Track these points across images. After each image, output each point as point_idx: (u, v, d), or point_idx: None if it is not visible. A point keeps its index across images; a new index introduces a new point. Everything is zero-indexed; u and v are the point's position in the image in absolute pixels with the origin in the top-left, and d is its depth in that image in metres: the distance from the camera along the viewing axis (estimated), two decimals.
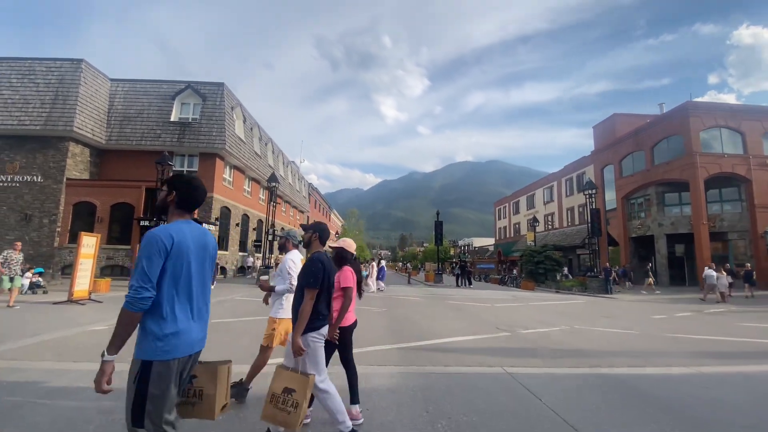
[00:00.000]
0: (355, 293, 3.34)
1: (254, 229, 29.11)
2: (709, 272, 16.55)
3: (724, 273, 16.20)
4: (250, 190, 28.35)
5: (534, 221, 33.06)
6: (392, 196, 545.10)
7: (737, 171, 22.78)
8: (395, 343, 6.32)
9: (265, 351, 3.67)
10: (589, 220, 22.58)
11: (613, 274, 22.23)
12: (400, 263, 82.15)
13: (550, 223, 41.55)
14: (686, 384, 4.35)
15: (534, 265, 28.83)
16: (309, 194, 47.67)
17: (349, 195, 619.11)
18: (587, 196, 23.13)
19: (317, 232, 3.04)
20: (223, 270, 23.74)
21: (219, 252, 20.84)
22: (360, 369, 3.47)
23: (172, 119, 22.50)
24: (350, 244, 3.46)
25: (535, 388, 4.10)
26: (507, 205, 55.35)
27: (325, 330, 2.84)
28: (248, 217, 28.04)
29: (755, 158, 22.80)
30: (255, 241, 28.86)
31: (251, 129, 27.57)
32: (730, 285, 16.53)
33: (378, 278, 19.90)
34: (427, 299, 15.21)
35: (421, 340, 6.69)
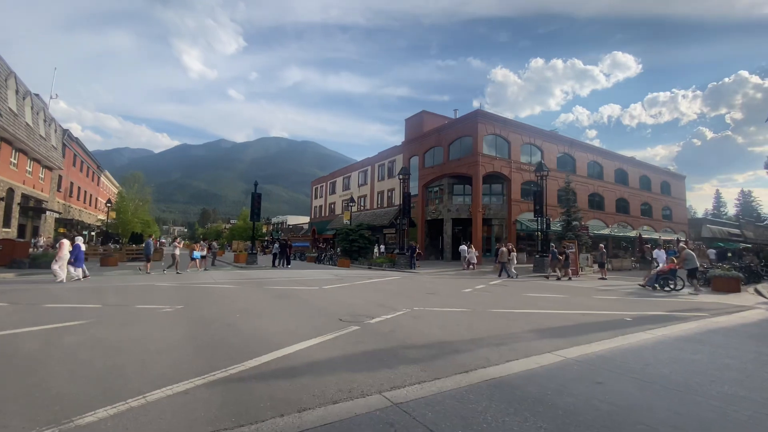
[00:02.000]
0: None
1: None
2: (463, 247, 23.09)
3: (507, 249, 20.24)
4: None
5: (351, 201, 33.91)
6: (194, 164, 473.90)
7: (503, 171, 29.30)
8: (205, 374, 3.85)
9: None
10: (402, 202, 24.40)
11: (417, 250, 24.87)
12: (201, 241, 71.53)
13: (362, 204, 43.97)
14: (577, 382, 3.90)
15: (349, 243, 29.48)
16: (65, 145, 34.14)
17: (133, 156, 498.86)
18: (401, 180, 24.90)
19: None
20: None
21: None
22: None
23: None
24: None
25: (443, 425, 2.72)
26: (324, 184, 55.69)
27: None
28: None
29: (515, 163, 29.89)
30: None
31: None
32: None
33: (73, 262, 12.91)
34: (241, 286, 12.42)
35: (247, 358, 4.42)
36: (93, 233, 46.88)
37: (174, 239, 20.97)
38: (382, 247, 28.51)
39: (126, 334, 5.47)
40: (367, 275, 17.79)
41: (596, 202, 36.79)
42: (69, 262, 12.74)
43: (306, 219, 72.43)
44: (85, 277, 13.25)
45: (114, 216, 43.16)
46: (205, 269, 18.64)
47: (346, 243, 29.58)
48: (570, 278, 18.29)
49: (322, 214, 55.07)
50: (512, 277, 17.93)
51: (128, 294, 9.95)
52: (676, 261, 13.42)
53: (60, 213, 33.62)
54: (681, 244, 18.81)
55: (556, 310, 8.57)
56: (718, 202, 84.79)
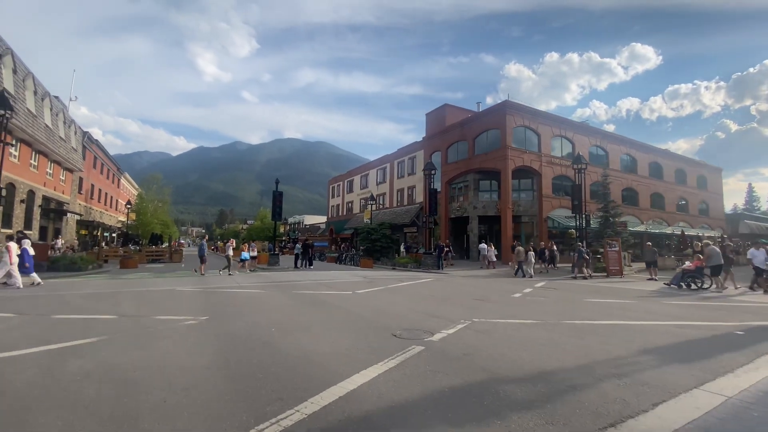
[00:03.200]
0: None
1: None
2: (482, 245, 23.06)
3: (531, 250, 18.94)
4: None
5: (371, 199, 32.81)
6: (210, 166, 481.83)
7: (533, 165, 27.70)
8: (250, 428, 2.75)
9: None
10: (427, 199, 23.16)
11: (445, 250, 23.60)
12: (219, 241, 71.55)
13: (381, 202, 42.84)
14: None
15: (371, 243, 28.43)
16: (85, 147, 34.12)
17: (152, 159, 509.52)
18: (426, 176, 23.66)
19: None
20: None
21: None
22: None
23: None
24: None
25: None
26: (341, 183, 54.82)
27: None
28: None
29: (545, 156, 28.24)
30: None
31: None
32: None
33: (22, 266, 11.28)
34: (268, 290, 11.43)
35: (301, 397, 3.31)
36: (114, 234, 47.19)
37: (227, 240, 20.52)
38: (406, 246, 27.29)
39: (143, 359, 4.44)
40: (396, 277, 16.64)
41: (630, 197, 34.69)
42: (22, 268, 11.16)
43: (323, 218, 71.84)
44: (36, 284, 11.47)
45: (134, 217, 43.24)
46: (229, 273, 17.89)
47: (368, 242, 28.53)
48: (591, 276, 17.63)
49: (340, 214, 54.21)
50: (528, 277, 17.30)
51: (147, 301, 9.05)
52: (701, 258, 13.18)
53: (81, 215, 33.59)
54: (705, 240, 17.49)
55: (640, 320, 7.23)
56: (750, 197, 79.96)
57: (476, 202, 29.56)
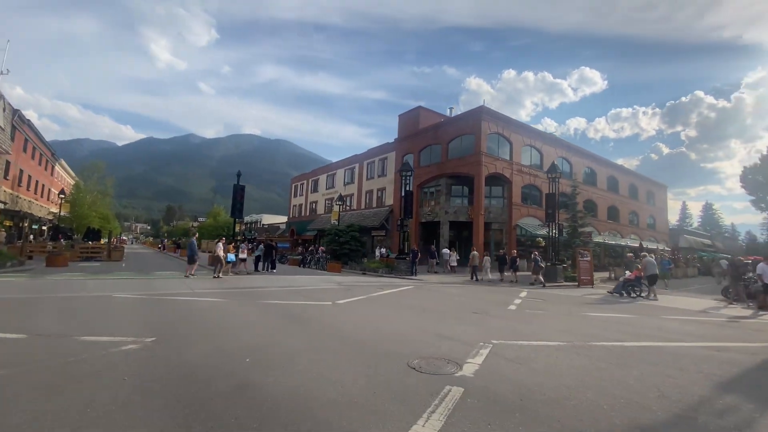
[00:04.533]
0: None
1: None
2: (445, 251, 23.29)
3: (487, 256, 18.52)
4: None
5: (339, 199, 31.21)
6: (160, 158, 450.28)
7: (505, 173, 27.64)
8: None
9: None
10: (403, 201, 22.13)
11: (420, 255, 22.63)
12: (165, 239, 65.78)
13: (348, 204, 41.29)
14: None
15: (339, 245, 26.89)
16: (14, 127, 29.40)
17: (94, 148, 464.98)
18: (402, 178, 22.66)
19: None
20: None
21: None
22: None
23: None
24: None
25: None
26: (305, 182, 52.53)
27: None
28: None
29: (516, 165, 28.30)
30: None
31: None
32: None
33: None
34: (231, 299, 9.64)
35: None
36: (44, 227, 41.51)
37: (219, 239, 18.00)
38: (383, 250, 26.03)
39: (44, 424, 2.81)
40: (372, 284, 15.33)
41: (590, 209, 35.91)
42: None
43: (283, 218, 68.69)
44: None
45: (68, 209, 38.20)
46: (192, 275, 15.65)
47: (336, 245, 26.94)
48: (544, 285, 18.00)
49: (303, 214, 51.87)
50: (485, 281, 18.86)
51: (73, 313, 7.05)
52: (640, 268, 14.40)
53: (6, 203, 28.93)
54: (643, 252, 18.63)
55: (664, 341, 6.52)
56: (684, 214, 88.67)
57: (448, 207, 29.01)
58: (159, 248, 55.98)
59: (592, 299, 13.08)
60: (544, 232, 27.69)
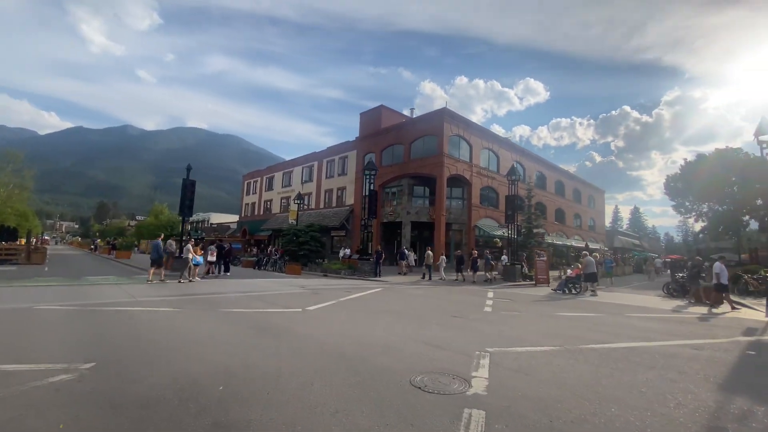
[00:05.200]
0: None
1: None
2: (403, 250, 22.88)
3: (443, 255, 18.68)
4: None
5: (298, 198, 29.88)
6: (91, 150, 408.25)
7: (465, 175, 28.10)
8: None
9: None
10: (368, 201, 21.59)
11: (384, 256, 22.21)
12: (98, 239, 59.23)
13: (307, 203, 39.88)
14: None
15: (298, 246, 25.69)
16: None
17: (10, 136, 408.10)
18: (367, 177, 22.13)
19: None
20: None
21: None
22: None
23: None
24: None
25: None
26: (259, 179, 50.04)
27: None
28: None
29: (475, 167, 28.90)
30: None
31: None
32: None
33: None
34: (184, 309, 8.48)
35: None
36: None
37: (187, 241, 15.83)
38: (347, 250, 25.19)
39: None
40: (339, 287, 14.60)
41: (540, 211, 37.84)
42: None
43: (233, 217, 65.04)
44: None
45: None
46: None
47: (294, 245, 25.70)
48: (493, 280, 19.64)
49: (256, 213, 49.37)
50: (439, 279, 19.50)
51: None
52: (580, 267, 15.64)
53: None
54: (584, 252, 19.98)
55: (646, 341, 6.61)
56: (616, 217, 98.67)
57: (410, 207, 28.94)
58: (90, 249, 50.32)
59: (543, 296, 13.73)
60: (500, 232, 28.64)
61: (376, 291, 13.42)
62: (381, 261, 20.73)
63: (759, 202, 38.50)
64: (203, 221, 66.65)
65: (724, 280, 10.83)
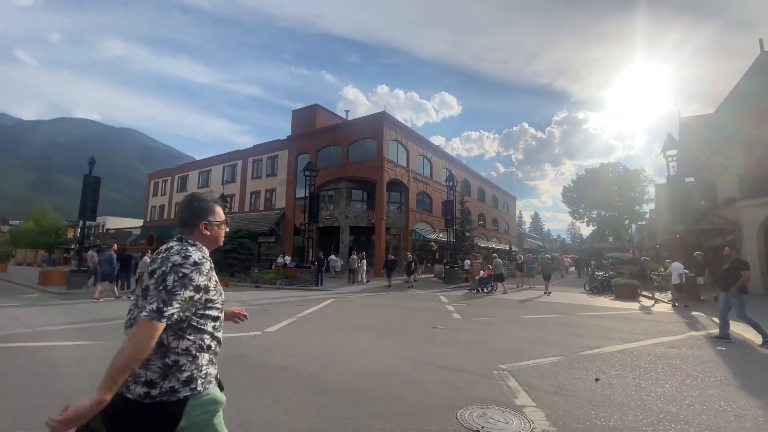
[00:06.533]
0: None
1: None
2: (332, 257, 23.52)
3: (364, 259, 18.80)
4: None
5: (223, 199, 26.88)
6: None
7: (403, 180, 28.17)
8: None
9: None
10: (308, 204, 20.16)
11: (326, 263, 20.94)
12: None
13: (230, 205, 36.32)
14: None
15: (222, 254, 22.98)
16: None
17: None
18: (307, 178, 20.70)
19: None
20: None
21: None
22: None
23: None
24: None
25: None
26: (169, 179, 44.40)
27: None
28: None
29: (412, 172, 29.18)
30: None
31: None
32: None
33: None
34: (98, 340, 6.50)
35: None
36: None
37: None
38: (287, 258, 23.13)
39: None
40: (284, 300, 13.14)
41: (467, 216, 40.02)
42: None
43: (137, 222, 56.73)
44: None
45: None
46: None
47: (219, 254, 22.93)
48: (413, 286, 18.91)
49: (165, 216, 43.64)
50: (362, 283, 19.89)
51: None
52: (491, 268, 17.15)
53: None
54: (493, 255, 22.44)
55: (626, 342, 6.82)
56: (520, 221, 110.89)
57: (348, 211, 28.05)
58: None
59: (458, 296, 13.97)
60: (434, 236, 29.35)
61: (330, 302, 12.32)
62: (323, 269, 19.51)
63: (637, 208, 45.97)
64: (98, 226, 56.89)
65: (676, 280, 11.56)
